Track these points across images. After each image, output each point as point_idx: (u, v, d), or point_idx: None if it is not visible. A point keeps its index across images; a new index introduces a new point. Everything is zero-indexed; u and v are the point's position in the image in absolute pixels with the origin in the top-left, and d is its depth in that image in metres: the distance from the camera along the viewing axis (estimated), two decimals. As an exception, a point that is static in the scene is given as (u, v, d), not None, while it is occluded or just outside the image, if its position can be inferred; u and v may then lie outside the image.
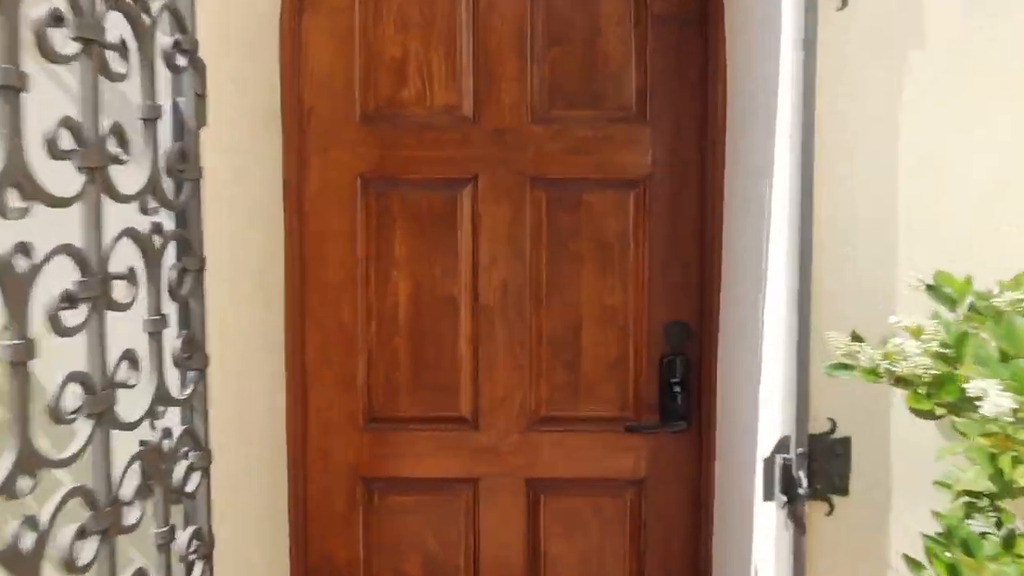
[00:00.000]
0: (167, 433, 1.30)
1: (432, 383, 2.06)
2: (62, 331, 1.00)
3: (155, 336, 1.26)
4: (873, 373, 1.08)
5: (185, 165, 1.36)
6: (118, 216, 1.14)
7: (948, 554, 1.06)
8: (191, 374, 1.38)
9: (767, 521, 1.53)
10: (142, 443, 1.22)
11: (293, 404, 2.03)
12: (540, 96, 2.02)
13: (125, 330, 1.17)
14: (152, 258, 1.24)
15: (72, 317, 1.02)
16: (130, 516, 1.14)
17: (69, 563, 0.98)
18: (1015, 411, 0.94)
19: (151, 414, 1.24)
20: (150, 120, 1.24)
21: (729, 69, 1.91)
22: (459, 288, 2.04)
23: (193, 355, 1.37)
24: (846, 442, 1.46)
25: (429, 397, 2.06)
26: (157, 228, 1.27)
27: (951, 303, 1.14)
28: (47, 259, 0.94)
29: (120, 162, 1.13)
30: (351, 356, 2.05)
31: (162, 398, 1.27)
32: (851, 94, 1.44)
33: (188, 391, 1.37)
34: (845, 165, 1.44)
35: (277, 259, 1.98)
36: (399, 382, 2.06)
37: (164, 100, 1.36)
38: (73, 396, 1.02)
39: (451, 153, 2.01)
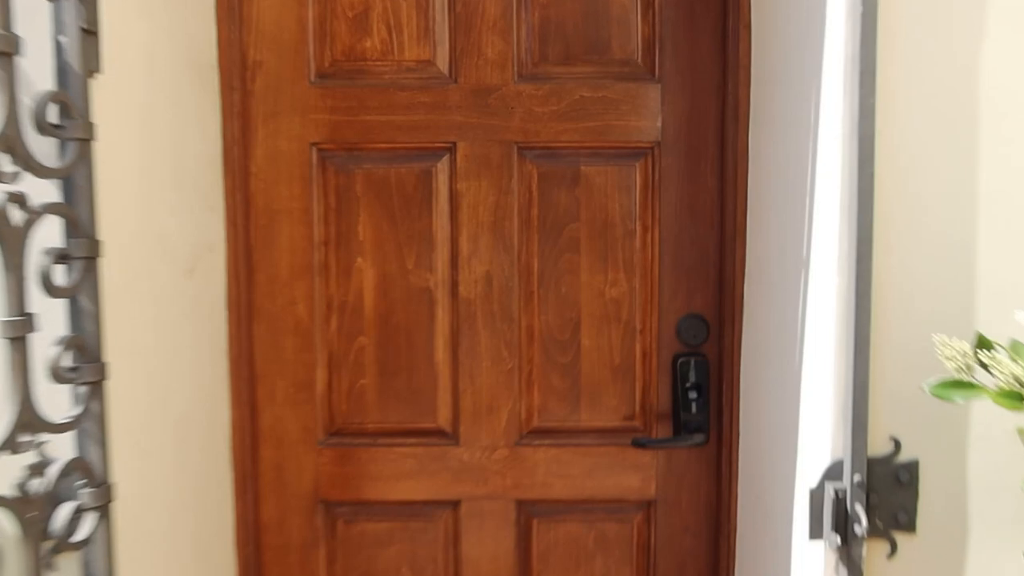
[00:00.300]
0: (38, 469, 1.00)
1: (405, 390, 1.78)
2: None
3: (17, 343, 0.97)
4: (1016, 397, 0.77)
5: (67, 121, 1.07)
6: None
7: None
8: (82, 390, 1.09)
9: (812, 561, 1.27)
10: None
11: (240, 418, 1.74)
12: (529, 48, 1.73)
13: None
14: (10, 240, 0.95)
15: None
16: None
17: None
18: None
19: (9, 446, 0.95)
20: (2, 55, 0.94)
21: (754, 11, 1.62)
22: (435, 279, 1.76)
23: (83, 366, 1.08)
24: (913, 467, 1.20)
25: (401, 407, 1.78)
26: (18, 200, 0.97)
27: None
28: None
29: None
30: (308, 359, 1.77)
31: (28, 424, 0.98)
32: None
33: (77, 412, 1.08)
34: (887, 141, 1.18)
35: (216, 245, 1.67)
36: (365, 389, 1.78)
37: (43, 38, 1.08)
38: None
39: (423, 118, 1.72)
